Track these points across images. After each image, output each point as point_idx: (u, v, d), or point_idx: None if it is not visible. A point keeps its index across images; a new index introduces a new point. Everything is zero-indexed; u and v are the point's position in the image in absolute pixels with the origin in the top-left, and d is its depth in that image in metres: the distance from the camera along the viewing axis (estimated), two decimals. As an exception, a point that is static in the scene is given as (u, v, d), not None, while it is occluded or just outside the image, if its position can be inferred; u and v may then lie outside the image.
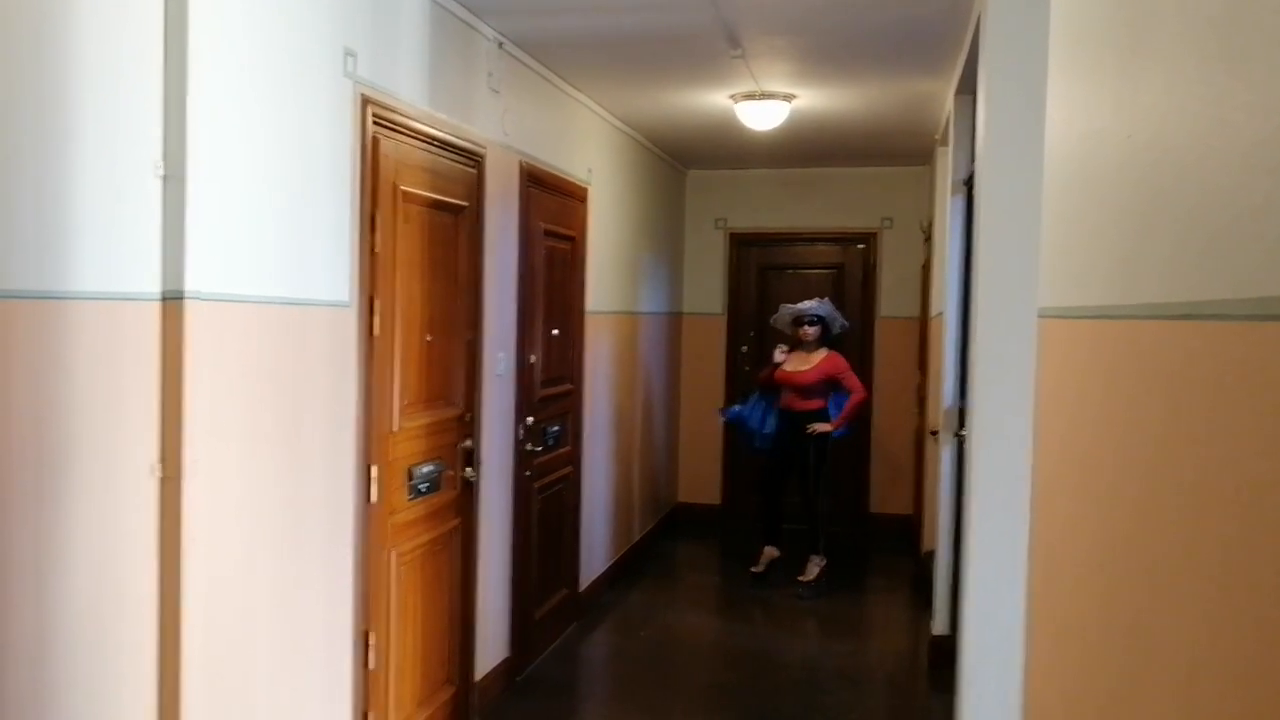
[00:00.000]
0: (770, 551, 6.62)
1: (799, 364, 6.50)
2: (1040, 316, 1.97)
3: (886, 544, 7.54)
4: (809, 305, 6.57)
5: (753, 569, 6.61)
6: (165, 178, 2.45)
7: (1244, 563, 0.83)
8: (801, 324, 6.53)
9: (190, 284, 2.47)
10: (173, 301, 2.46)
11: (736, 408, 6.91)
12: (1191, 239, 0.99)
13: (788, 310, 6.66)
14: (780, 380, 6.51)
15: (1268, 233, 0.79)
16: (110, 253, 2.33)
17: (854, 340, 8.05)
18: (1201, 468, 0.94)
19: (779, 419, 6.56)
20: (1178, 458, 1.01)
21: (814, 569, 6.45)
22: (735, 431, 7.10)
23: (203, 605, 2.57)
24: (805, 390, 6.45)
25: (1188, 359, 1.00)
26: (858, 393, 6.45)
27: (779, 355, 6.55)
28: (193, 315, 2.48)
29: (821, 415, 6.45)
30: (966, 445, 3.55)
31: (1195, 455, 0.96)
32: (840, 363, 6.52)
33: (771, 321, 6.96)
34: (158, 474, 2.47)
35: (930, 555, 5.60)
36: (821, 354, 6.49)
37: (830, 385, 6.47)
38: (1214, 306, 0.91)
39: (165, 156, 2.45)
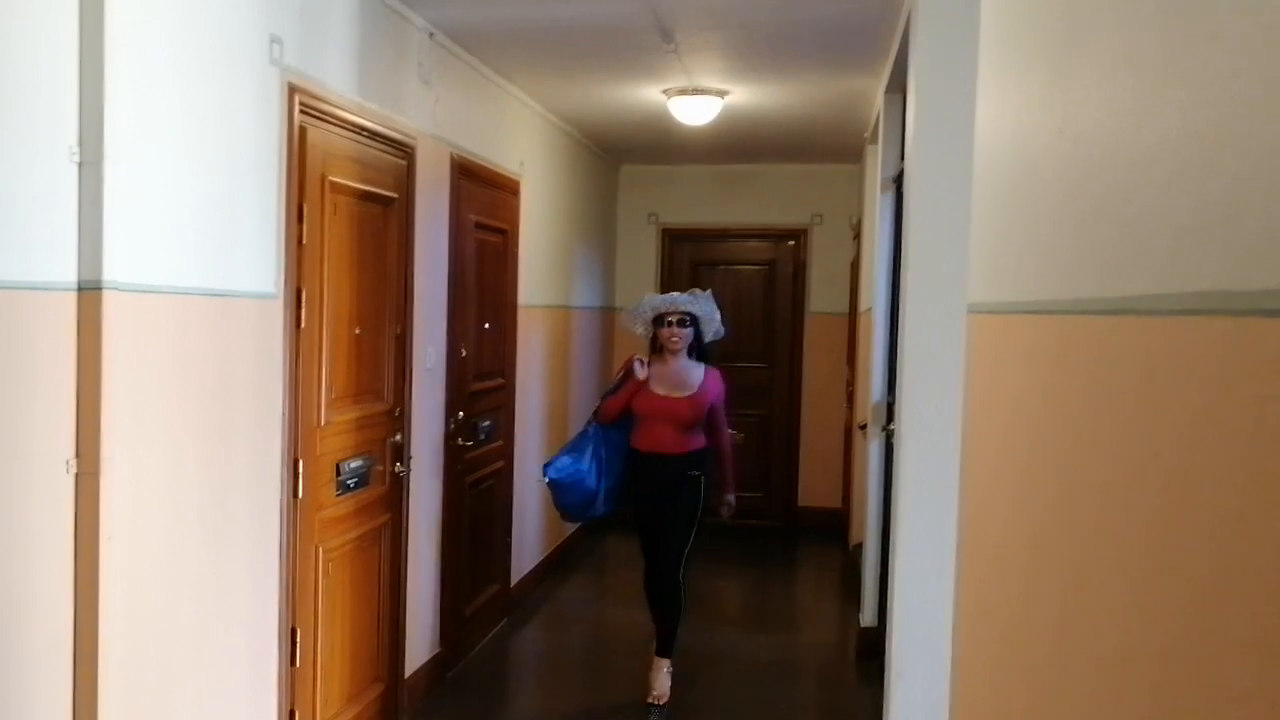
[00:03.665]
0: (664, 666, 4.51)
1: (670, 385, 4.44)
2: (969, 312, 1.99)
3: (815, 537, 7.62)
4: (681, 297, 4.56)
5: (651, 701, 4.43)
6: (81, 164, 2.37)
7: (1173, 557, 0.84)
8: (667, 323, 4.47)
9: (108, 274, 2.40)
10: (90, 292, 2.38)
11: (567, 460, 4.49)
12: (1124, 234, 1.01)
13: (652, 303, 4.57)
14: (647, 410, 4.44)
15: (1200, 228, 0.80)
16: (23, 240, 2.24)
17: (783, 335, 8.12)
18: (1129, 462, 0.96)
19: (644, 465, 4.47)
20: (1128, 453, 1.02)
21: (667, 679, 4.49)
22: (558, 498, 4.58)
23: (122, 603, 2.49)
24: (687, 426, 4.43)
25: (1124, 354, 1.01)
26: (726, 432, 4.60)
27: (640, 370, 4.41)
28: (111, 306, 2.40)
29: (700, 461, 4.48)
30: (895, 439, 3.59)
31: (1125, 450, 0.98)
32: (723, 386, 4.58)
33: (621, 322, 5.08)
34: (74, 470, 2.39)
35: (859, 548, 5.67)
36: (698, 370, 4.48)
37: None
38: (1148, 301, 0.92)
39: (81, 141, 2.37)
